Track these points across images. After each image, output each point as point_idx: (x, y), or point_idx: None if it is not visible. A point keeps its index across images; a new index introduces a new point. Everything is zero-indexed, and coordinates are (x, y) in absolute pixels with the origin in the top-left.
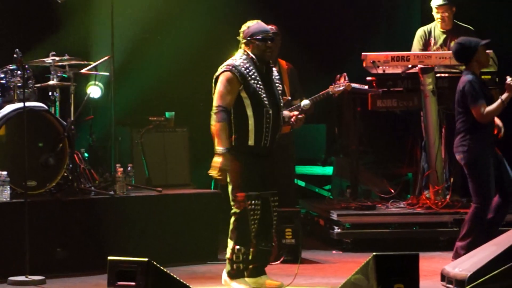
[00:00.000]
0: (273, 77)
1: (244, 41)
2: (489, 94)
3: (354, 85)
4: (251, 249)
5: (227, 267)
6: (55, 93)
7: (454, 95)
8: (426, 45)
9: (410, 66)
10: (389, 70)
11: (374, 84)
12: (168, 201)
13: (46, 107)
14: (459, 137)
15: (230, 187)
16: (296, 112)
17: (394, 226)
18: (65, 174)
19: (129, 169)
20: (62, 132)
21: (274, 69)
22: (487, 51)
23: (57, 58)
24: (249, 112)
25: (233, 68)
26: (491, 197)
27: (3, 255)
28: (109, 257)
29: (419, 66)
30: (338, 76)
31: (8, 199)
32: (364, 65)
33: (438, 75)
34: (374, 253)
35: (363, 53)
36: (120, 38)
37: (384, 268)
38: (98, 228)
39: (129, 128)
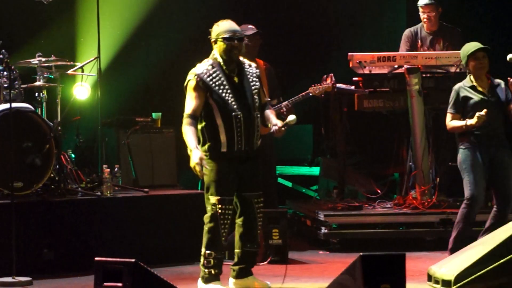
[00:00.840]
0: (249, 74)
1: (213, 40)
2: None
3: (340, 85)
4: (237, 251)
5: (200, 273)
6: (41, 94)
7: (440, 95)
8: (413, 46)
9: (396, 66)
10: (376, 71)
11: (360, 85)
12: (155, 202)
13: (32, 108)
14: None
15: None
16: (280, 124)
17: (381, 226)
18: (52, 175)
19: (116, 170)
20: (49, 133)
21: (253, 64)
22: None
23: (43, 59)
24: (218, 120)
25: (196, 77)
26: (477, 194)
27: None
28: (96, 258)
29: (405, 66)
30: (325, 76)
31: None
32: (350, 65)
33: (424, 75)
34: (361, 253)
35: (349, 53)
36: (107, 39)
37: (370, 268)
38: (85, 229)
39: (115, 129)
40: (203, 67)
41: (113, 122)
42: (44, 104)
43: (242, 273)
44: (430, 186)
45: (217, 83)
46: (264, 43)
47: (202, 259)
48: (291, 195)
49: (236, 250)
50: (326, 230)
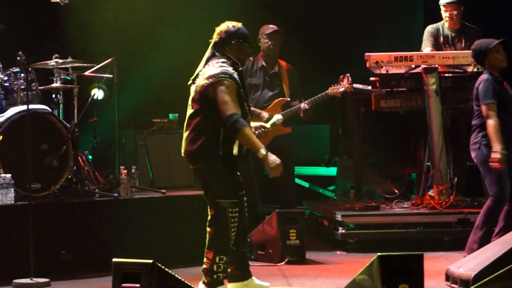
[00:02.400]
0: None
1: (233, 42)
2: (507, 96)
3: (357, 85)
4: (237, 255)
5: (204, 278)
6: (58, 95)
7: (457, 95)
8: (437, 42)
9: (413, 66)
10: (393, 70)
11: (377, 85)
12: (172, 203)
13: (49, 110)
14: (473, 134)
15: (208, 194)
16: (268, 126)
17: (398, 226)
18: (69, 176)
19: (133, 171)
20: (66, 135)
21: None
22: None
23: (60, 61)
24: None
25: (231, 78)
26: (505, 191)
27: (8, 257)
28: (114, 259)
29: (423, 66)
30: (341, 76)
31: (13, 201)
32: (367, 65)
33: (441, 75)
34: (379, 254)
35: (366, 54)
36: (124, 40)
37: (388, 269)
38: (102, 230)
39: (132, 130)
40: (230, 68)
41: (130, 123)
42: (61, 105)
43: (243, 276)
44: (447, 186)
45: (240, 85)
46: (282, 44)
47: (210, 265)
48: (309, 196)
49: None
50: (343, 230)
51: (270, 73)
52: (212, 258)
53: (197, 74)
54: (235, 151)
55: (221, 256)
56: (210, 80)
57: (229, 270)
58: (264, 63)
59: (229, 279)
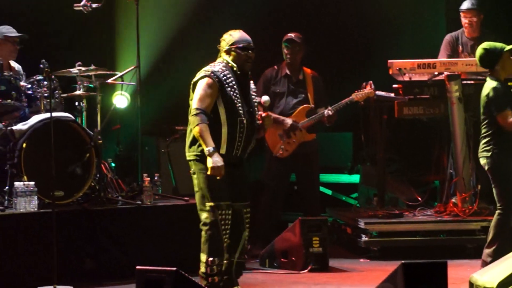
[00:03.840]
0: (250, 89)
1: (225, 49)
2: None
3: (380, 92)
4: (224, 261)
5: (202, 282)
6: (81, 103)
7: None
8: (454, 51)
9: (436, 73)
10: (416, 78)
11: (400, 92)
12: (195, 210)
13: (72, 117)
14: (483, 142)
15: (197, 196)
16: (260, 113)
17: (422, 234)
18: (92, 184)
19: (156, 178)
20: (89, 142)
21: (251, 82)
22: None
23: (83, 68)
24: (223, 120)
25: (212, 74)
26: None
27: (31, 264)
28: (137, 267)
29: (446, 73)
30: (364, 84)
31: (36, 209)
32: (390, 72)
33: (464, 82)
34: (402, 261)
35: (389, 61)
36: (146, 47)
37: (412, 276)
38: (125, 237)
39: (155, 137)
40: (218, 67)
41: (153, 130)
42: (84, 113)
43: (228, 284)
44: (471, 193)
45: (229, 84)
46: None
47: (203, 267)
48: (331, 203)
49: (224, 260)
50: (366, 238)
51: (295, 81)
52: (205, 261)
53: None
54: (222, 150)
55: (213, 259)
56: (194, 78)
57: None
58: (287, 71)
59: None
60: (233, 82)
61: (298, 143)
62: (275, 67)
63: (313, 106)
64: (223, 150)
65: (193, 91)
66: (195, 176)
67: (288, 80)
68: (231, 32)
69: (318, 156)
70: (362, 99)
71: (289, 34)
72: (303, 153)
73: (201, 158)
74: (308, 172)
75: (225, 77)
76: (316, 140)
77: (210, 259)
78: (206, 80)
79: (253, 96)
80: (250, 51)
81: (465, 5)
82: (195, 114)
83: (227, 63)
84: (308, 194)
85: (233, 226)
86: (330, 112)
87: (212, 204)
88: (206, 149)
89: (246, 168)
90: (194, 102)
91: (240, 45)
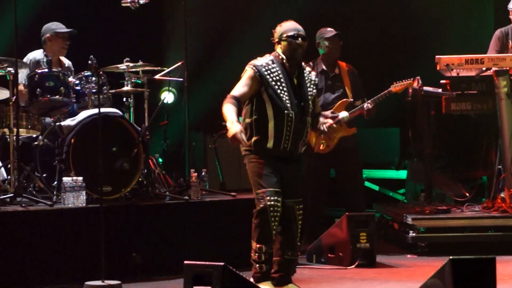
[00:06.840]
0: (307, 80)
1: (276, 39)
2: None
3: (427, 88)
4: (277, 257)
5: (252, 270)
6: (129, 99)
7: None
8: (503, 47)
9: (484, 68)
10: (463, 73)
11: (448, 87)
12: (242, 206)
13: (120, 113)
14: None
15: (252, 186)
16: (331, 121)
17: (469, 229)
18: (140, 179)
19: (203, 174)
20: (137, 138)
21: (313, 72)
22: None
23: (131, 64)
24: (270, 115)
25: (254, 67)
26: None
27: (79, 260)
28: (185, 262)
29: (494, 68)
30: (411, 79)
31: (84, 204)
32: (437, 68)
33: None
34: (451, 257)
35: (437, 56)
36: (193, 43)
37: (461, 272)
38: (173, 232)
39: (202, 133)
40: (263, 61)
41: (200, 126)
42: (132, 109)
43: (282, 281)
44: None
45: (274, 78)
46: (351, 46)
47: (252, 254)
48: (378, 199)
49: (276, 258)
50: (414, 234)
51: (331, 76)
52: (254, 247)
53: None
54: (270, 144)
55: (260, 245)
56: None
57: (272, 272)
58: (324, 67)
59: (271, 279)
60: (280, 76)
61: (339, 137)
62: (311, 63)
63: (351, 100)
64: (270, 144)
65: None
66: (247, 167)
67: (325, 75)
68: (282, 23)
69: (358, 150)
70: (401, 90)
71: (330, 29)
72: (344, 148)
73: (251, 150)
74: (348, 167)
75: (268, 71)
76: (355, 134)
77: (258, 245)
78: (247, 72)
79: (310, 89)
80: (300, 39)
81: None
82: (226, 98)
83: (277, 55)
84: (350, 189)
85: (286, 222)
86: (369, 105)
87: (260, 191)
88: (229, 120)
89: (301, 164)
90: (233, 90)
91: (290, 34)
